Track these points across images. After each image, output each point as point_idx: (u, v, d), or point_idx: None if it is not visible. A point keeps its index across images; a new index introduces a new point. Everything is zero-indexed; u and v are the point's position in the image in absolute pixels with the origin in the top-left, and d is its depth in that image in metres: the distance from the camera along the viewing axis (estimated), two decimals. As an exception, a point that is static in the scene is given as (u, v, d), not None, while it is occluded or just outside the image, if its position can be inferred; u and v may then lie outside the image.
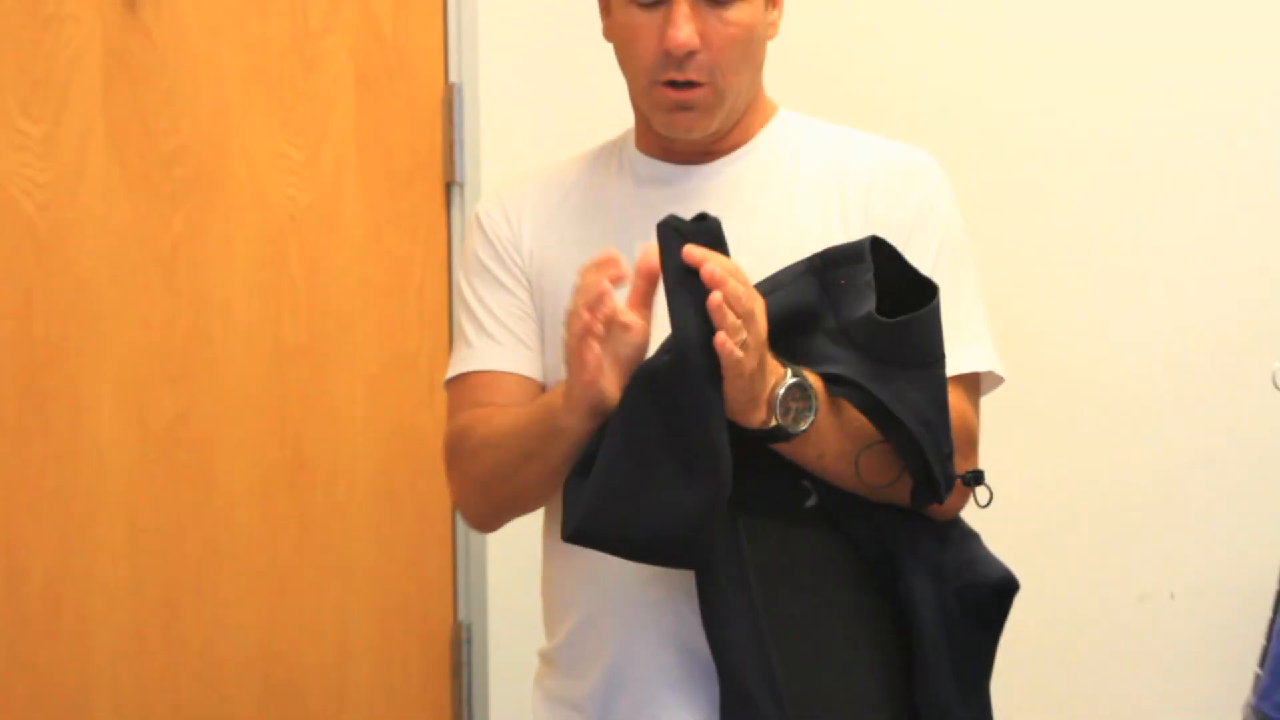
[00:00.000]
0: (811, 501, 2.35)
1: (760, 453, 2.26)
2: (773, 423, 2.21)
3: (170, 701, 2.93)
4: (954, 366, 2.37)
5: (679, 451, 2.21)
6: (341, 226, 3.13)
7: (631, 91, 2.48)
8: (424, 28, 3.26)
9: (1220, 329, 3.22)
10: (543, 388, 2.48)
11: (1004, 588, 2.40)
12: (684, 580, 2.33)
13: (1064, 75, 3.34)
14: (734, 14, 2.38)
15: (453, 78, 3.29)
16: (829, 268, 2.33)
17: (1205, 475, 3.23)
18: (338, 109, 3.13)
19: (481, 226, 2.56)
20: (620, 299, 2.23)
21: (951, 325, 2.35)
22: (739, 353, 2.12)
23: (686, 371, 2.14)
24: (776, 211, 2.47)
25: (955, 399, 2.38)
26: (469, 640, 3.27)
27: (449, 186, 3.26)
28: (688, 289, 2.11)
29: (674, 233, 2.14)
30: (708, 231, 2.16)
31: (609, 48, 2.47)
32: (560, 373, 2.30)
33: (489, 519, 2.57)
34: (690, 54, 2.36)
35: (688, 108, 2.40)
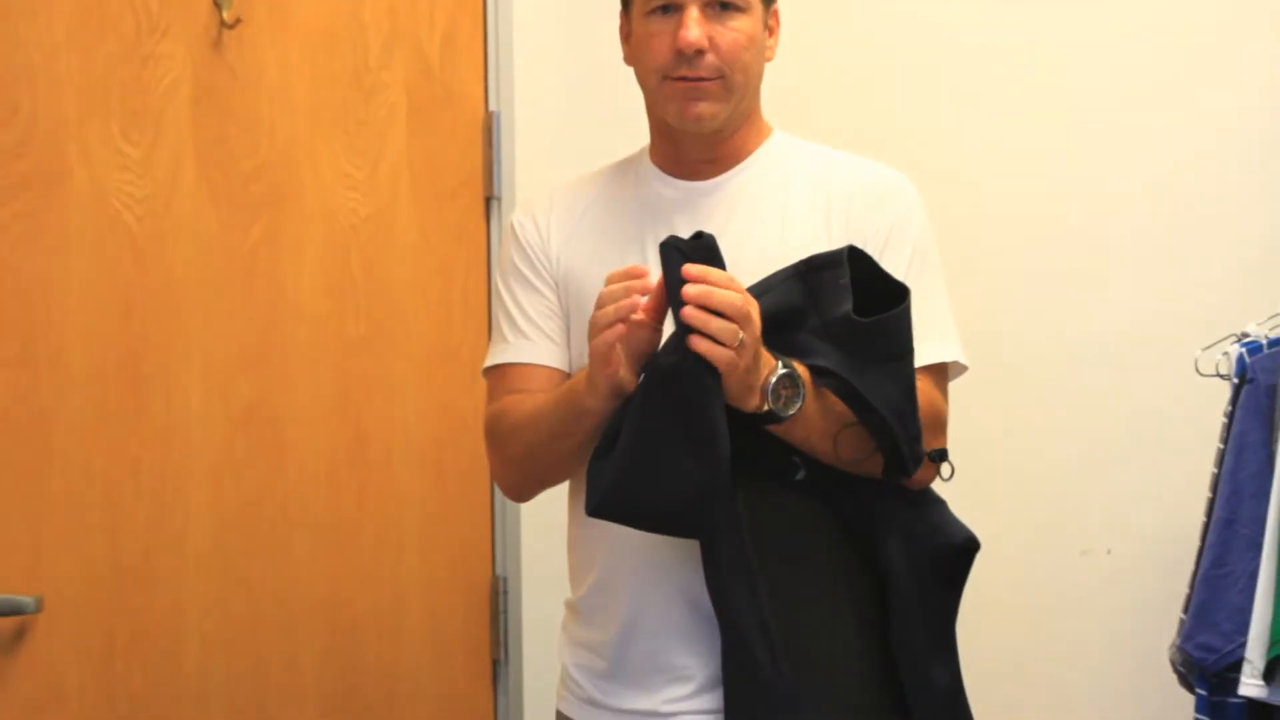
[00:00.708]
0: (800, 475, 2.37)
1: (756, 434, 2.29)
2: (765, 407, 2.25)
3: (249, 642, 2.94)
4: (924, 358, 2.40)
5: (685, 436, 2.23)
6: (396, 235, 3.12)
7: (647, 98, 2.50)
8: (466, 64, 3.24)
9: (1150, 322, 3.23)
10: (567, 376, 2.50)
11: (967, 548, 2.42)
12: (690, 545, 2.36)
13: (1010, 112, 3.35)
14: (737, 23, 2.42)
15: (492, 106, 3.27)
16: (813, 272, 2.35)
17: (1138, 448, 3.24)
18: (392, 134, 3.12)
19: (515, 234, 2.58)
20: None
21: (922, 322, 2.37)
22: (717, 350, 2.15)
23: (689, 367, 2.17)
24: (772, 219, 2.49)
25: (926, 386, 2.41)
26: (505, 591, 3.25)
27: (488, 200, 3.24)
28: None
29: (674, 251, 2.17)
30: (704, 247, 2.20)
31: (627, 79, 2.50)
32: (584, 359, 2.33)
33: (523, 491, 2.60)
34: (699, 52, 2.39)
35: (699, 97, 2.43)
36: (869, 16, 3.45)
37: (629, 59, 2.53)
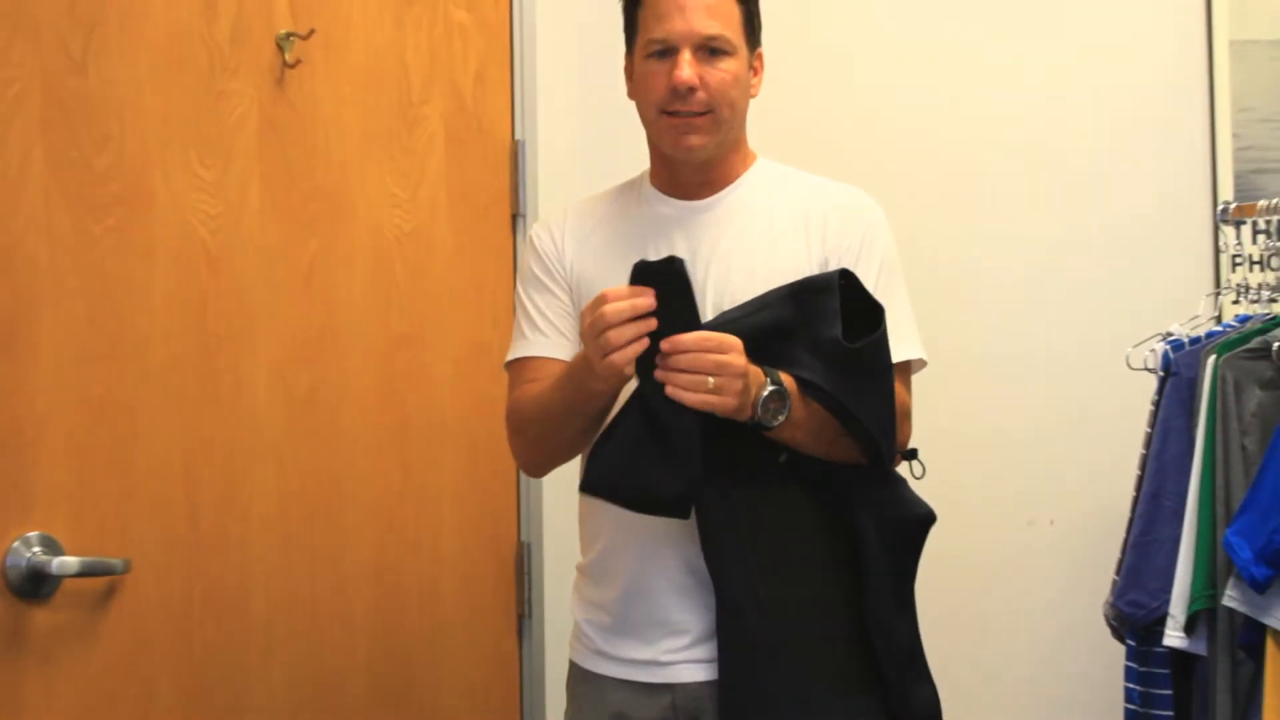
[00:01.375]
0: (783, 459, 2.41)
1: (747, 428, 2.34)
2: (755, 419, 2.30)
3: (307, 600, 2.94)
4: (897, 354, 2.45)
5: (662, 436, 2.30)
6: (434, 247, 3.12)
7: (647, 129, 2.54)
8: (496, 99, 3.26)
9: (1087, 324, 3.26)
10: None
11: (926, 520, 2.46)
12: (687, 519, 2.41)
13: (964, 134, 3.38)
14: (724, 65, 2.45)
15: (517, 135, 3.28)
16: (806, 294, 2.39)
17: (1077, 432, 3.26)
18: (432, 159, 3.12)
19: (534, 246, 2.61)
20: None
21: (889, 325, 2.41)
22: (688, 396, 2.23)
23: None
24: (759, 234, 2.53)
25: (895, 386, 2.44)
26: (529, 555, 3.26)
27: (514, 217, 3.26)
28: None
29: (643, 272, 2.22)
30: (674, 272, 2.24)
31: (633, 112, 2.53)
32: None
33: (540, 467, 2.63)
34: (691, 89, 2.43)
35: (690, 131, 2.47)
36: (824, 39, 3.47)
37: (631, 94, 2.56)
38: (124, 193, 2.72)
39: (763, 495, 2.42)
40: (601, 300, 2.25)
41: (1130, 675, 2.86)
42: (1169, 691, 2.82)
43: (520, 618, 3.26)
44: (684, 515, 2.38)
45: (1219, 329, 2.94)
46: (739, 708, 2.41)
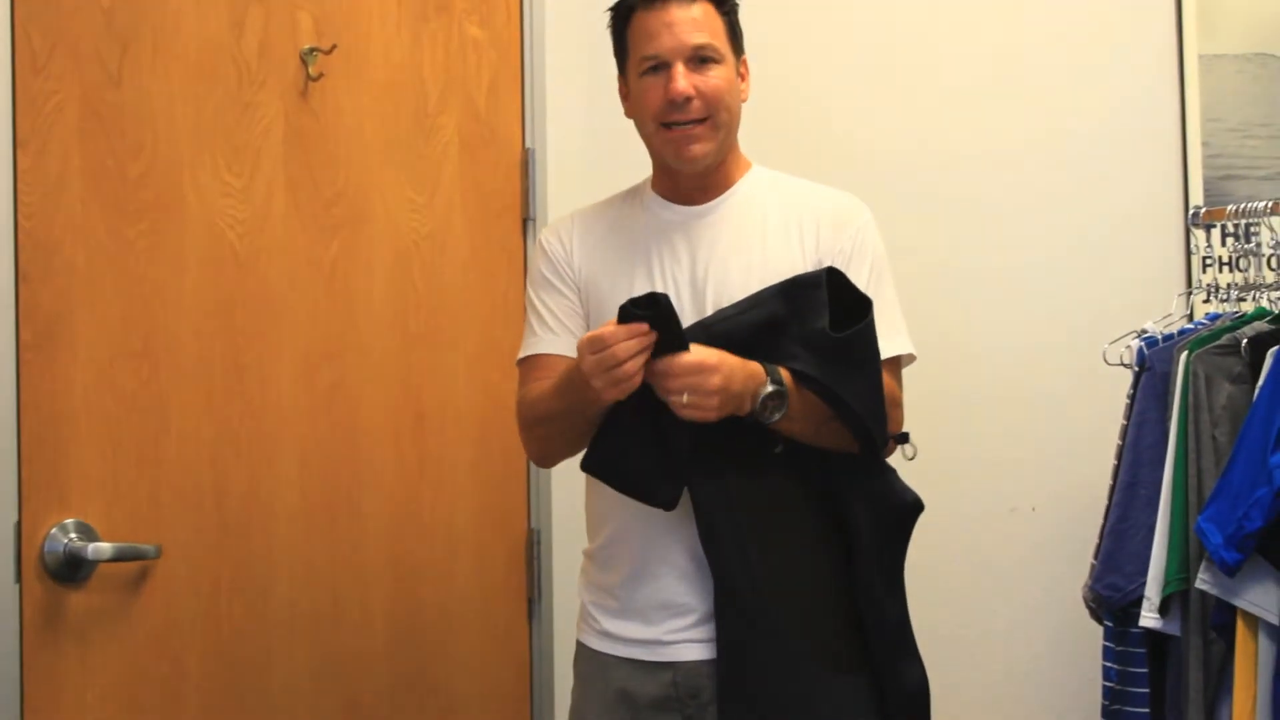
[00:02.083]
0: (779, 449, 2.42)
1: (745, 420, 2.35)
2: (753, 414, 2.33)
3: (328, 585, 2.94)
4: (883, 352, 2.45)
5: (653, 428, 2.34)
6: (450, 250, 3.12)
7: (647, 142, 2.55)
8: (508, 110, 3.26)
9: (1067, 321, 3.24)
10: None
11: (914, 507, 2.46)
12: (685, 505, 2.42)
13: (951, 142, 3.36)
14: (715, 72, 2.46)
15: (528, 144, 3.28)
16: (797, 290, 2.41)
17: (1057, 423, 3.25)
18: (447, 167, 3.12)
19: (543, 249, 2.62)
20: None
21: (879, 323, 2.42)
22: (687, 411, 2.27)
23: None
24: (755, 237, 2.53)
25: (885, 377, 2.45)
26: (539, 541, 3.25)
27: (525, 222, 3.25)
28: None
29: (629, 316, 2.23)
30: (660, 307, 2.25)
31: (631, 144, 2.56)
32: None
33: (549, 458, 2.62)
34: (687, 99, 2.44)
35: (691, 140, 2.48)
36: (807, 50, 3.46)
37: (629, 113, 2.57)
38: (156, 199, 2.73)
39: (758, 483, 2.43)
40: (601, 342, 2.25)
41: (1108, 655, 2.85)
42: (1145, 670, 2.81)
43: (530, 601, 3.25)
44: (669, 507, 2.40)
45: (1191, 326, 2.93)
46: (736, 685, 2.42)
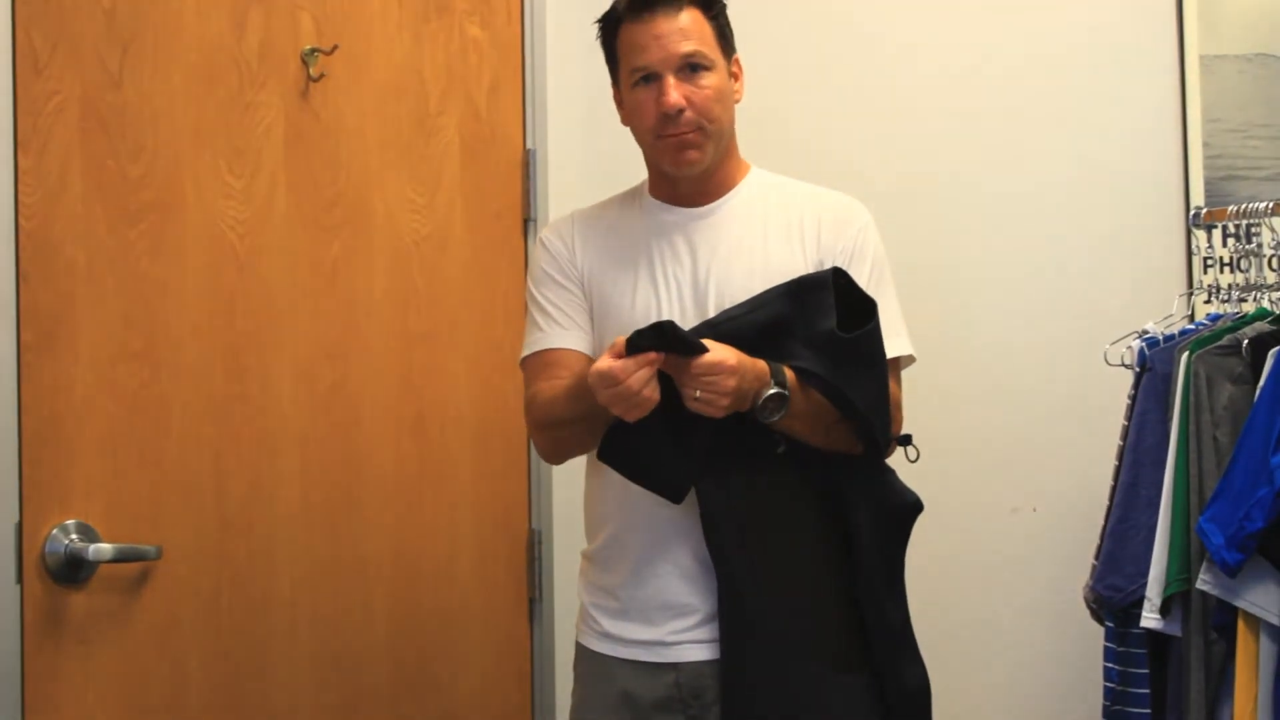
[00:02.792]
0: (781, 449, 2.42)
1: (747, 418, 2.35)
2: (753, 412, 2.33)
3: (329, 584, 2.94)
4: (886, 352, 2.45)
5: (667, 422, 2.33)
6: (450, 250, 3.12)
7: (644, 150, 2.55)
8: (508, 111, 3.25)
9: (1069, 321, 3.24)
10: (591, 358, 2.52)
11: (914, 508, 2.47)
12: (687, 504, 2.42)
13: (954, 143, 3.36)
14: (706, 80, 2.46)
15: (529, 145, 3.27)
16: (803, 291, 2.41)
17: (1058, 424, 3.24)
18: (448, 167, 3.12)
19: (546, 247, 2.62)
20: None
21: (886, 318, 2.44)
22: (697, 405, 2.29)
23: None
24: (755, 239, 2.53)
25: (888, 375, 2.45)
26: (540, 542, 3.25)
27: (526, 222, 3.25)
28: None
29: (635, 348, 2.24)
30: (663, 334, 2.25)
31: (630, 142, 2.56)
32: (605, 346, 2.38)
33: (559, 456, 2.63)
34: (680, 111, 2.43)
35: (686, 148, 2.47)
36: (803, 44, 3.45)
37: (625, 121, 2.58)
38: (157, 199, 2.74)
39: (761, 483, 2.43)
40: (614, 378, 2.25)
41: (1109, 655, 2.85)
42: (1146, 670, 2.81)
43: (531, 601, 3.25)
44: (677, 500, 2.41)
45: (1192, 327, 2.93)
46: (739, 685, 2.42)
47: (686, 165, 2.52)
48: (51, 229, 2.61)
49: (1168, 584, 2.68)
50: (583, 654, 2.62)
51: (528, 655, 3.24)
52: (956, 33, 3.37)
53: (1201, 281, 3.08)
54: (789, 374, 2.36)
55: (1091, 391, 3.13)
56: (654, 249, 2.56)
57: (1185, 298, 3.10)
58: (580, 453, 2.59)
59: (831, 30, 3.46)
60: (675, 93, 2.46)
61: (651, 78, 2.48)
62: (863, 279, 2.50)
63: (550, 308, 2.60)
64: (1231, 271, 2.97)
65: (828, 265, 2.49)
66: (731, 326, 2.39)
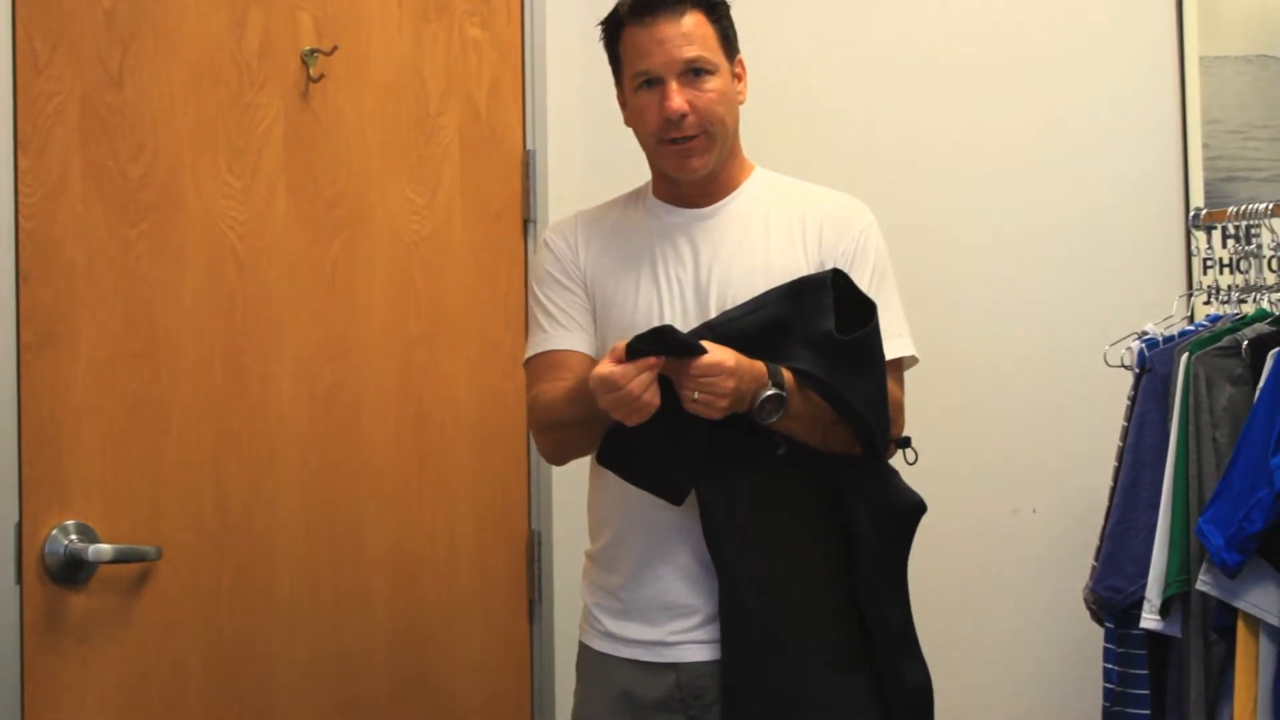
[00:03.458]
0: (781, 451, 2.42)
1: (746, 420, 2.35)
2: (751, 415, 2.34)
3: (329, 583, 2.94)
4: (885, 354, 2.45)
5: (666, 439, 2.36)
6: (450, 250, 3.12)
7: (647, 153, 2.56)
8: (508, 111, 3.25)
9: (1069, 324, 3.26)
10: (594, 358, 2.53)
11: (917, 509, 2.47)
12: (689, 506, 2.43)
13: (954, 146, 3.37)
14: (709, 84, 2.46)
15: (529, 145, 3.28)
16: (803, 292, 2.41)
17: (1059, 425, 3.26)
18: (448, 168, 3.12)
19: (549, 248, 2.62)
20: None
21: (888, 318, 2.45)
22: (695, 406, 2.30)
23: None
24: (758, 240, 2.54)
25: (888, 381, 2.45)
26: (539, 542, 3.25)
27: (525, 223, 3.25)
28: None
29: (635, 353, 2.26)
30: (663, 337, 2.27)
31: (630, 143, 2.56)
32: (608, 345, 2.39)
33: (562, 458, 2.64)
34: (683, 116, 2.44)
35: (689, 154, 2.48)
36: (802, 46, 3.46)
37: (628, 123, 2.58)
38: (157, 199, 2.73)
39: (762, 485, 2.43)
40: (614, 384, 2.26)
41: (1109, 656, 2.86)
42: (1145, 671, 2.81)
43: (531, 601, 3.25)
44: (677, 502, 2.42)
45: (1191, 328, 2.94)
46: (740, 686, 2.42)
47: (689, 171, 2.52)
48: (51, 229, 2.60)
49: (1167, 585, 2.69)
50: (585, 653, 2.63)
51: (527, 655, 3.25)
52: (956, 36, 3.39)
53: (1201, 283, 3.10)
54: (787, 375, 2.36)
55: (1091, 393, 3.13)
56: (656, 250, 2.56)
57: (1185, 299, 3.11)
58: (582, 455, 2.59)
59: (825, 33, 3.46)
60: (678, 98, 2.46)
61: (655, 82, 2.48)
62: (864, 280, 2.50)
63: (553, 309, 2.61)
64: (1231, 273, 2.98)
65: (829, 266, 2.49)
66: (731, 328, 2.39)
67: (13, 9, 2.55)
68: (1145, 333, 2.93)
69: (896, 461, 2.50)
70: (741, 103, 2.57)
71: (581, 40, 3.12)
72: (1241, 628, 2.58)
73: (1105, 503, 2.92)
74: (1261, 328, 2.75)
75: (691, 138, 2.49)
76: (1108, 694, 2.86)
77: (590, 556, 2.64)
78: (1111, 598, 2.83)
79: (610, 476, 2.49)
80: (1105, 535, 2.89)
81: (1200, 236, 3.08)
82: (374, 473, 3.02)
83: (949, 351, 3.19)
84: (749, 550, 2.41)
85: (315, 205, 2.94)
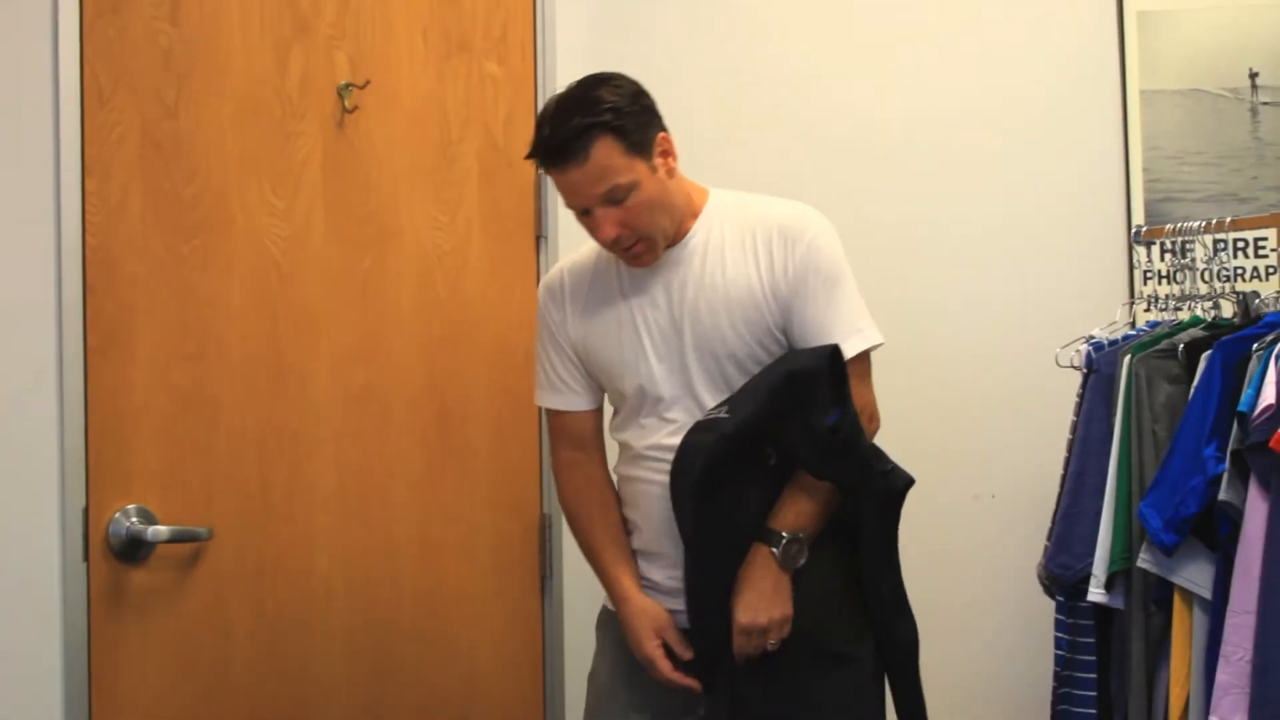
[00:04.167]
0: (772, 461, 2.42)
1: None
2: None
3: (361, 562, 2.94)
4: (851, 349, 2.42)
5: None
6: (470, 264, 3.12)
7: None
8: (523, 139, 3.03)
9: (1023, 328, 3.27)
10: (596, 409, 2.58)
11: (907, 486, 2.47)
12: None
13: (924, 162, 3.37)
14: (631, 201, 2.38)
15: (540, 170, 3.25)
16: (799, 383, 2.37)
17: (1015, 419, 3.28)
18: (468, 190, 3.12)
19: (544, 312, 2.64)
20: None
21: (841, 322, 2.42)
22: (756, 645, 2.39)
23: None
24: (715, 273, 2.48)
25: (858, 386, 2.42)
26: (550, 525, 3.23)
27: (537, 238, 3.23)
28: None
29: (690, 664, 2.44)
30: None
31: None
32: (609, 383, 2.49)
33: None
34: (616, 239, 2.38)
35: (637, 257, 2.43)
36: (750, 46, 3.44)
37: None
38: (208, 218, 2.75)
39: (752, 499, 2.43)
40: (656, 670, 2.45)
41: (1059, 627, 2.86)
42: (1092, 640, 2.82)
43: (542, 578, 3.24)
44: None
45: (1133, 333, 2.95)
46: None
47: (645, 265, 2.49)
48: (114, 245, 2.62)
49: (1112, 562, 2.70)
50: (602, 614, 2.67)
51: (539, 627, 3.24)
52: (925, 71, 3.38)
53: (1142, 292, 3.11)
54: (788, 525, 2.40)
55: (1044, 390, 3.13)
56: (633, 301, 2.53)
57: (1127, 307, 3.12)
58: None
59: (798, 38, 3.44)
60: (607, 226, 2.40)
61: (585, 210, 2.43)
62: (818, 287, 2.46)
63: (551, 371, 2.62)
64: (1168, 283, 2.98)
65: (782, 283, 2.46)
66: (742, 418, 2.37)
67: (80, 48, 2.57)
68: (1092, 337, 2.93)
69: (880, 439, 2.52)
70: (673, 177, 2.47)
71: (588, 74, 3.14)
72: (1178, 601, 2.60)
73: (1057, 489, 2.93)
74: (1195, 333, 2.77)
75: (632, 246, 2.44)
76: (1059, 660, 2.87)
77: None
78: (1062, 574, 2.84)
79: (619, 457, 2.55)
80: (1057, 518, 2.90)
81: (1141, 251, 3.10)
82: (401, 462, 3.01)
83: (917, 352, 3.23)
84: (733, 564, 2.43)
85: (349, 223, 2.94)
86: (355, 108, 2.94)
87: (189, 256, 2.73)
